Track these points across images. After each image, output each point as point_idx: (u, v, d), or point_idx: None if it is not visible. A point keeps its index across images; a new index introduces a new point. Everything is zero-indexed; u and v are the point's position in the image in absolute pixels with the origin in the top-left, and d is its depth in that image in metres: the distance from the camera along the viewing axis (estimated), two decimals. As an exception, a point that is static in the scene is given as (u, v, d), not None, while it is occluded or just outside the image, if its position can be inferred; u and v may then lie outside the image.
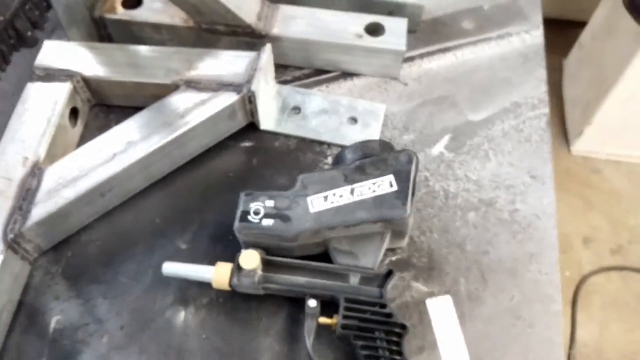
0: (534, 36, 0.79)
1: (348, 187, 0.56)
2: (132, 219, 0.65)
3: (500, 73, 0.76)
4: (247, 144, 0.70)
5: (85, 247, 0.63)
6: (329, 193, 0.56)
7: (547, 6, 1.75)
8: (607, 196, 1.64)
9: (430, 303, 0.60)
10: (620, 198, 1.64)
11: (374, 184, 0.56)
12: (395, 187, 0.55)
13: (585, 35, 1.76)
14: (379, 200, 0.55)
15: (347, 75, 0.75)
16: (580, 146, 1.68)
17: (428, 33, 0.79)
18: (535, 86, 0.75)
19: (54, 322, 0.59)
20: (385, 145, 0.59)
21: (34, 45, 0.60)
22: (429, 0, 0.81)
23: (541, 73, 0.76)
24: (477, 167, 0.68)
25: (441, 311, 0.59)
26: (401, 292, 0.60)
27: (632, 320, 1.40)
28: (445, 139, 0.70)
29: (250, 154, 0.69)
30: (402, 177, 0.56)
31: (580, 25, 1.78)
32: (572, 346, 1.22)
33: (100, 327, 0.59)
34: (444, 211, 0.65)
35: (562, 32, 1.84)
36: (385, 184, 0.56)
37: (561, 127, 1.69)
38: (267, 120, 0.69)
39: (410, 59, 0.77)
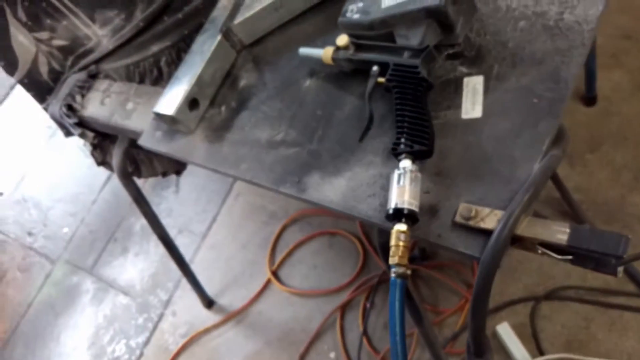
0: None
1: (408, -9, 0.81)
2: (292, 30, 1.01)
3: None
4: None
5: (266, 46, 1.02)
6: (395, -6, 0.82)
7: None
8: None
9: (467, 80, 0.81)
10: None
11: (424, -12, 0.79)
12: (437, -10, 0.77)
13: None
14: (425, -3, 0.78)
15: None
16: None
17: None
18: None
19: (242, 83, 1.00)
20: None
21: None
22: None
23: None
24: (541, -11, 0.83)
25: (472, 85, 0.80)
26: (447, 73, 0.82)
27: None
28: (523, -30, 0.86)
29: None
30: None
31: None
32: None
33: (264, 87, 0.97)
34: (501, 20, 0.83)
35: None
36: (431, -12, 0.78)
37: None
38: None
39: None
